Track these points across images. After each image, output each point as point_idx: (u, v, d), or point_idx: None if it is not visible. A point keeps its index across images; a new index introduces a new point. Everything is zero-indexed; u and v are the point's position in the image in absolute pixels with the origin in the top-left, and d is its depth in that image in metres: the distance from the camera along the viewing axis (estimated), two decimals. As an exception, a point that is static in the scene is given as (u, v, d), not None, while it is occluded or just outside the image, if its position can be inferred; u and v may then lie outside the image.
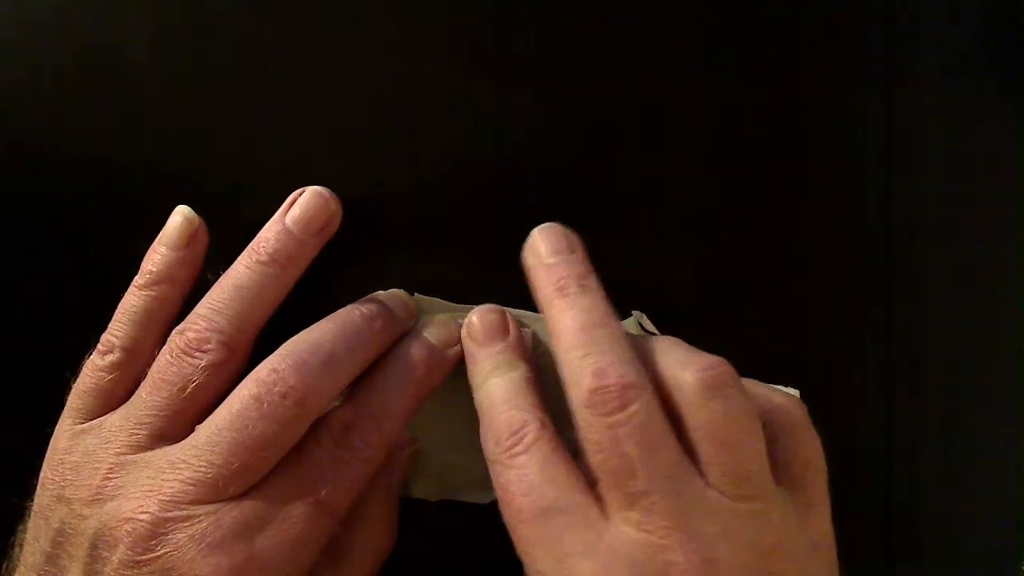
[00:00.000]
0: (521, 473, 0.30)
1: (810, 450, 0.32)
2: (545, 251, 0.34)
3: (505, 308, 0.35)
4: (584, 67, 0.36)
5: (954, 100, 0.37)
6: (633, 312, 0.35)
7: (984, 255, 0.38)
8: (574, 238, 0.34)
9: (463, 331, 0.34)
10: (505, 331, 0.34)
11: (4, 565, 0.33)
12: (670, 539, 0.28)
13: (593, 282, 0.33)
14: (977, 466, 0.38)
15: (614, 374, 0.30)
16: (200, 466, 0.30)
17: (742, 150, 0.36)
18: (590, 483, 0.30)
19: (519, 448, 0.31)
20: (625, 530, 0.29)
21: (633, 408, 0.29)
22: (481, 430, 0.32)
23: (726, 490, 0.29)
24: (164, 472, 0.30)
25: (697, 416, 0.30)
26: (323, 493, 0.31)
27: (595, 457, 0.29)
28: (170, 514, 0.29)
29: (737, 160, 0.36)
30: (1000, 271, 0.38)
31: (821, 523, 0.31)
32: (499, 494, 0.31)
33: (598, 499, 0.30)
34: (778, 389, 0.33)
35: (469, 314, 0.35)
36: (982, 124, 0.38)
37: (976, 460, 0.38)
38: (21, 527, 0.33)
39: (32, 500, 0.33)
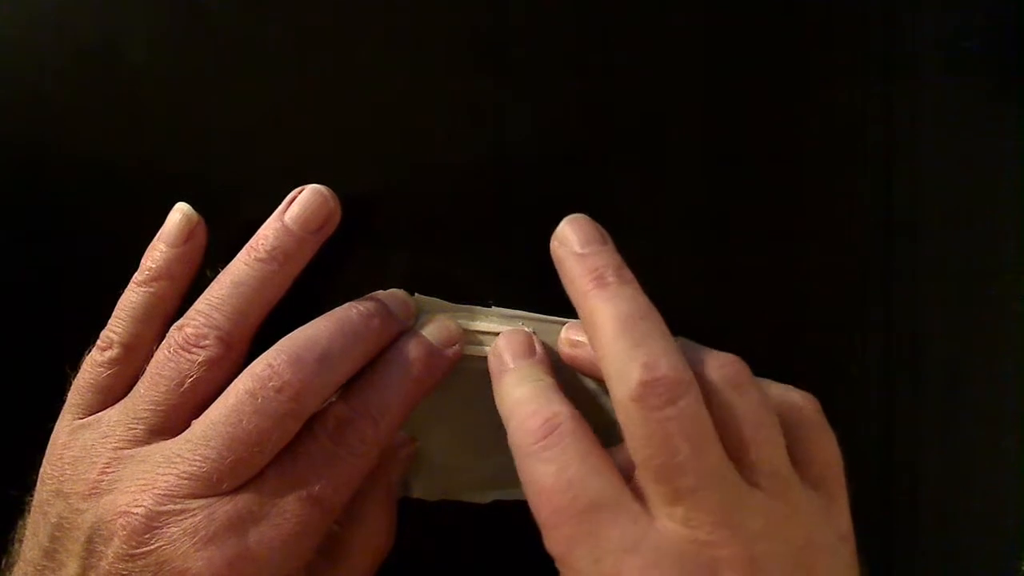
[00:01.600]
0: (559, 466, 0.29)
1: (829, 447, 0.32)
2: (577, 241, 0.33)
3: (503, 309, 0.35)
4: (584, 67, 0.36)
5: (954, 100, 0.37)
6: None
7: (984, 255, 0.38)
8: (603, 230, 0.33)
9: (489, 354, 0.34)
10: (532, 350, 0.34)
11: (4, 560, 0.33)
12: (717, 535, 0.28)
13: (630, 274, 0.32)
14: (977, 466, 0.38)
15: (666, 367, 0.29)
16: (195, 460, 0.30)
17: (742, 150, 0.36)
18: (626, 477, 0.29)
19: (554, 438, 0.30)
20: (670, 526, 0.28)
21: (683, 403, 0.28)
22: (509, 431, 0.31)
23: (760, 485, 0.29)
24: (160, 466, 0.30)
25: (723, 413, 0.30)
26: (317, 488, 0.31)
27: (642, 452, 0.28)
28: (164, 508, 0.29)
29: (737, 160, 0.36)
30: (1000, 271, 0.38)
31: (843, 517, 0.31)
32: (533, 489, 0.29)
33: (636, 494, 0.29)
34: (791, 388, 0.33)
35: (496, 339, 0.34)
36: (982, 124, 0.38)
37: (976, 460, 0.38)
38: (21, 522, 0.33)
39: (32, 495, 0.33)
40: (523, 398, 0.31)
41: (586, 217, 0.34)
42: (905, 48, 0.37)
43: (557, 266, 0.33)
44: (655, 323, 0.30)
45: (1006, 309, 0.38)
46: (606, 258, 0.32)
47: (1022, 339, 0.38)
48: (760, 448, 0.30)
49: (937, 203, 0.37)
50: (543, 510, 0.29)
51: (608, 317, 0.30)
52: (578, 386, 0.35)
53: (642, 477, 0.29)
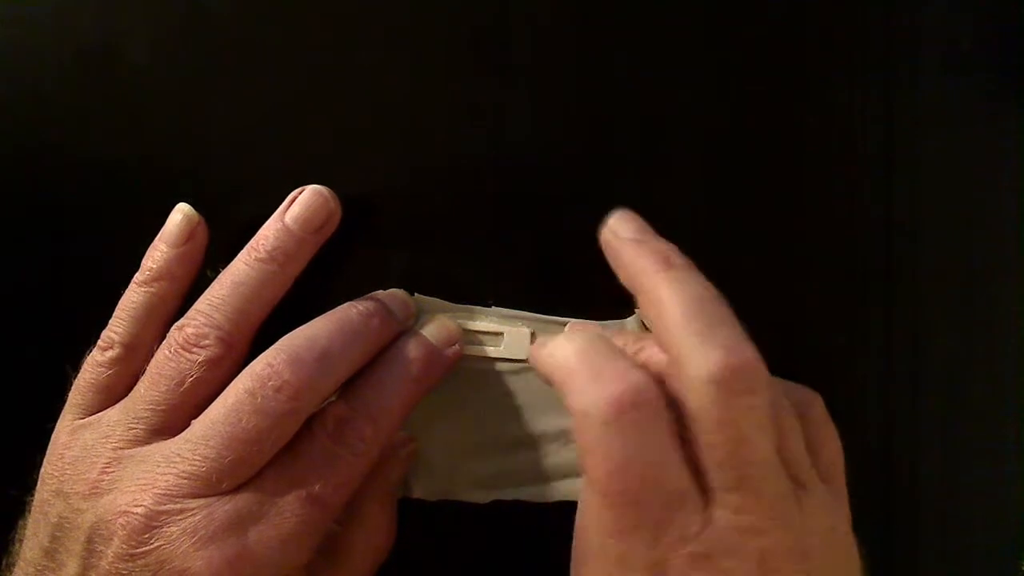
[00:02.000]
0: (641, 445, 0.28)
1: (834, 443, 0.32)
2: (631, 230, 0.33)
3: (503, 309, 0.35)
4: (584, 67, 0.36)
5: (954, 100, 0.37)
6: (636, 310, 0.35)
7: (984, 255, 0.38)
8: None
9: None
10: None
11: (4, 560, 0.33)
12: (768, 525, 0.28)
13: (693, 263, 0.32)
14: (977, 466, 0.38)
15: (750, 354, 0.28)
16: (194, 460, 0.30)
17: (742, 150, 0.36)
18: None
19: (638, 414, 0.28)
20: (723, 514, 0.28)
21: (763, 392, 0.28)
22: (564, 393, 0.30)
23: (794, 478, 0.29)
24: (159, 466, 0.30)
25: None
26: (316, 487, 0.31)
27: (714, 436, 0.28)
28: (164, 507, 0.29)
29: (737, 160, 0.36)
30: (1000, 271, 0.38)
31: (846, 510, 0.32)
32: (603, 463, 0.28)
33: (698, 480, 0.29)
34: (796, 384, 0.33)
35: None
36: (982, 124, 0.38)
37: (976, 460, 0.38)
38: (21, 522, 0.33)
39: (32, 495, 0.33)
40: (589, 352, 0.30)
41: (633, 212, 0.34)
42: (905, 48, 0.37)
43: (610, 256, 0.33)
44: (727, 308, 0.30)
45: (1006, 309, 0.38)
46: (666, 244, 0.32)
47: (1022, 339, 0.38)
48: (791, 440, 0.30)
49: (937, 203, 0.37)
50: (613, 485, 0.28)
51: (679, 298, 0.30)
52: None
53: (711, 460, 0.28)
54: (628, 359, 0.30)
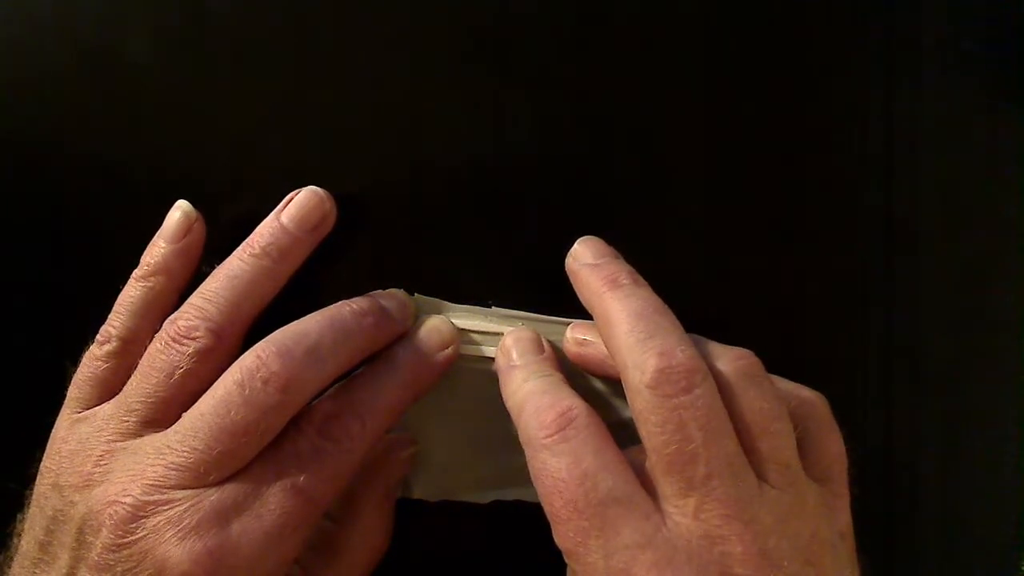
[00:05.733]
0: (574, 459, 0.29)
1: (836, 445, 0.32)
2: (590, 255, 0.34)
3: (503, 309, 0.35)
4: (584, 66, 0.36)
5: (954, 100, 0.37)
6: None
7: (984, 255, 0.38)
8: (613, 249, 0.35)
9: (497, 352, 0.35)
10: (540, 347, 0.34)
11: (3, 555, 0.34)
12: (728, 529, 0.28)
13: (643, 280, 0.33)
14: (977, 466, 0.38)
15: (682, 356, 0.29)
16: (183, 451, 0.30)
17: (742, 150, 0.36)
18: (638, 472, 0.30)
19: (569, 431, 0.30)
20: (681, 521, 0.28)
21: (699, 391, 0.29)
22: (520, 425, 0.31)
23: (771, 479, 0.29)
24: (149, 457, 0.30)
25: (737, 404, 0.30)
26: (302, 480, 0.31)
27: (656, 440, 0.29)
28: (151, 498, 0.29)
29: (737, 160, 0.36)
30: (1000, 271, 0.38)
31: (844, 514, 0.32)
32: (546, 482, 0.30)
33: (648, 490, 0.29)
34: (801, 385, 0.33)
35: (504, 337, 0.35)
36: (982, 124, 0.38)
37: (976, 460, 0.38)
38: (20, 516, 0.33)
39: (31, 490, 0.33)
40: (535, 392, 0.32)
41: (597, 238, 0.35)
42: (905, 48, 0.37)
43: (572, 280, 0.34)
44: (669, 318, 0.31)
45: (1006, 309, 0.38)
46: (620, 265, 0.33)
47: (1022, 340, 0.38)
48: (772, 440, 0.30)
49: (937, 203, 0.37)
50: (555, 503, 0.29)
51: (623, 313, 0.31)
52: (583, 387, 0.35)
53: (654, 468, 0.29)
54: (568, 388, 0.32)
